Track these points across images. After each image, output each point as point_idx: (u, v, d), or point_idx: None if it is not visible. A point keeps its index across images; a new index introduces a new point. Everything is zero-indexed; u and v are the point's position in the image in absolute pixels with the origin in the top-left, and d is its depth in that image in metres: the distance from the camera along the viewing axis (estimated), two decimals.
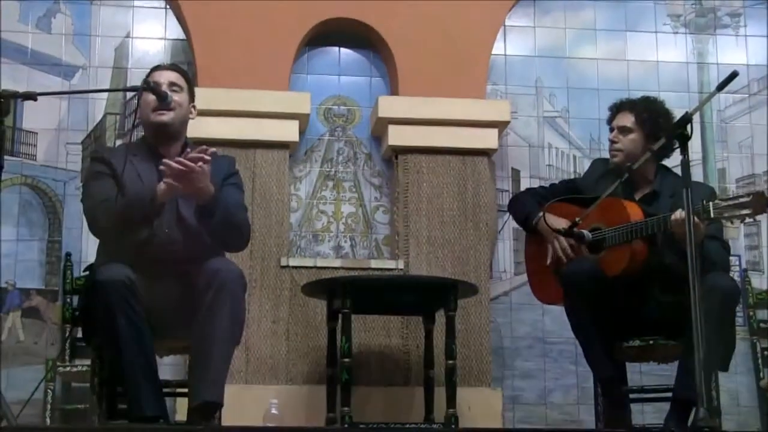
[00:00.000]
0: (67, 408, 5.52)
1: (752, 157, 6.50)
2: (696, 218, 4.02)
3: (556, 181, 5.36)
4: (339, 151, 6.22)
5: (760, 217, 6.16)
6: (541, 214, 4.60)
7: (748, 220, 3.98)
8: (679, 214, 4.16)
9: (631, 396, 4.65)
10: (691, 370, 3.93)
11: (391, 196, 6.14)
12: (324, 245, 6.09)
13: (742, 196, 3.86)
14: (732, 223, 4.20)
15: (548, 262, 4.65)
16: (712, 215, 3.85)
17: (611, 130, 4.68)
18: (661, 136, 4.06)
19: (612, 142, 4.65)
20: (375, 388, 5.67)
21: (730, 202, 3.86)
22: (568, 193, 4.70)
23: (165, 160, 3.92)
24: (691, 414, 4.15)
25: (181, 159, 3.89)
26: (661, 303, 4.38)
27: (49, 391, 5.42)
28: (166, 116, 4.17)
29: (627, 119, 4.62)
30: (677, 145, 3.80)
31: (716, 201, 3.87)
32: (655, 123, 4.55)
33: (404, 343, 5.82)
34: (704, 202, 3.85)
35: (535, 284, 4.87)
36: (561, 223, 4.50)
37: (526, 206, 4.79)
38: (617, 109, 4.71)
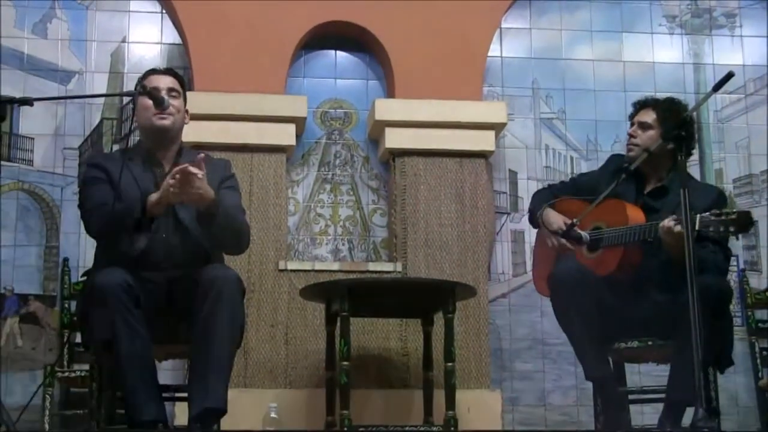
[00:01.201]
0: (65, 413, 5.52)
1: (749, 157, 6.50)
2: (679, 227, 4.05)
3: (556, 182, 5.37)
4: (336, 155, 6.22)
5: (759, 218, 6.17)
6: (543, 207, 4.65)
7: (731, 237, 4.01)
8: (666, 222, 4.17)
9: (630, 397, 4.65)
10: (682, 369, 3.95)
11: (389, 199, 6.14)
12: (322, 248, 6.09)
13: (729, 213, 3.88)
14: (717, 237, 4.22)
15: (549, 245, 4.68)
16: (697, 227, 3.87)
17: (632, 125, 4.69)
18: (681, 136, 4.03)
19: (630, 136, 4.65)
20: (374, 391, 5.67)
21: (716, 218, 3.87)
22: (585, 188, 4.72)
23: (168, 180, 3.91)
24: (684, 414, 4.16)
25: (180, 168, 3.88)
26: (654, 303, 4.39)
27: (47, 396, 5.41)
28: (168, 120, 4.19)
29: (648, 116, 4.63)
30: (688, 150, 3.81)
31: (703, 215, 3.88)
32: (670, 124, 4.53)
33: (403, 345, 5.82)
34: (692, 213, 3.86)
35: (537, 275, 4.87)
36: (559, 221, 4.55)
37: (535, 203, 4.84)
38: (641, 105, 4.72)
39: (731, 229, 3.86)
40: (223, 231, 4.06)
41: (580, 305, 4.36)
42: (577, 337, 4.45)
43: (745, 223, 3.86)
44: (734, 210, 3.94)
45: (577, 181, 4.92)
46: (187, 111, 4.36)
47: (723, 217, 3.87)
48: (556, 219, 4.62)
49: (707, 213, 3.91)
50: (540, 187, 5.51)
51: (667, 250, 4.22)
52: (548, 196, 4.81)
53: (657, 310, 4.37)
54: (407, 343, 5.81)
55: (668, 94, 6.06)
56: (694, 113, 4.21)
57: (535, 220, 4.81)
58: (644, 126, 4.62)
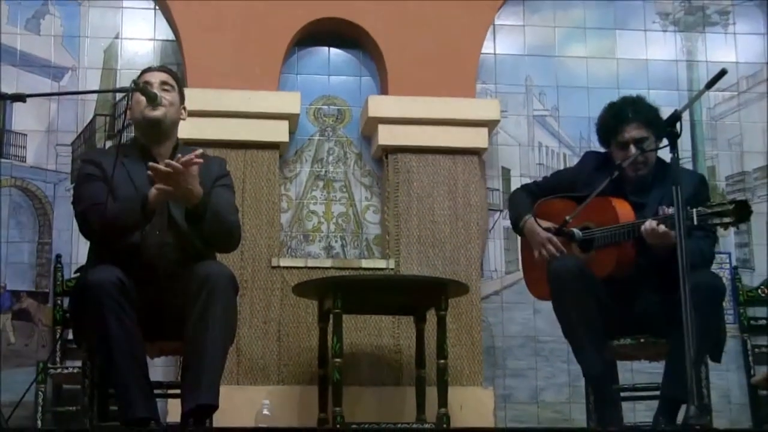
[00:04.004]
0: (58, 410, 5.51)
1: (742, 154, 6.51)
2: (664, 227, 4.06)
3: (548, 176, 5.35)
4: (329, 151, 6.22)
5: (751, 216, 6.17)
6: (527, 217, 4.61)
7: (731, 227, 4.00)
8: (648, 224, 4.17)
9: (623, 394, 4.65)
10: (677, 367, 3.95)
11: (382, 196, 6.14)
12: (315, 245, 6.09)
13: (725, 204, 3.87)
14: (715, 230, 4.22)
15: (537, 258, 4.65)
16: (695, 222, 3.87)
17: (622, 145, 4.54)
18: (674, 133, 4.01)
19: (637, 156, 4.45)
20: (366, 388, 5.68)
21: (714, 210, 3.87)
22: (561, 187, 4.68)
23: (151, 164, 3.92)
24: (679, 411, 4.16)
25: (169, 161, 3.90)
26: (649, 301, 4.39)
27: (40, 393, 5.43)
28: (159, 111, 4.17)
29: (640, 130, 4.52)
30: (666, 143, 3.79)
31: (700, 208, 3.88)
32: (659, 123, 4.48)
33: (395, 342, 5.82)
34: (688, 208, 3.85)
35: (529, 279, 4.87)
36: (543, 233, 4.53)
37: (517, 208, 4.79)
38: (620, 122, 4.56)
39: (729, 220, 3.86)
40: (211, 229, 4.06)
41: (581, 300, 4.34)
42: (577, 333, 4.42)
43: (742, 213, 3.85)
44: (731, 200, 3.94)
45: (553, 180, 4.87)
46: (184, 108, 4.36)
47: (719, 209, 3.87)
48: (539, 228, 4.58)
49: (701, 207, 3.91)
50: (534, 181, 5.49)
51: (651, 248, 4.23)
52: (526, 200, 4.76)
53: (651, 308, 4.37)
54: (400, 340, 5.81)
55: (661, 92, 6.14)
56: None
57: (518, 229, 4.77)
58: (641, 141, 4.50)
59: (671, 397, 4.19)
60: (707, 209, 3.88)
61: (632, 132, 4.53)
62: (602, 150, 4.78)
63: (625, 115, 4.59)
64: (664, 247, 4.11)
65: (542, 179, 4.99)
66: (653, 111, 4.61)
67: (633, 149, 4.51)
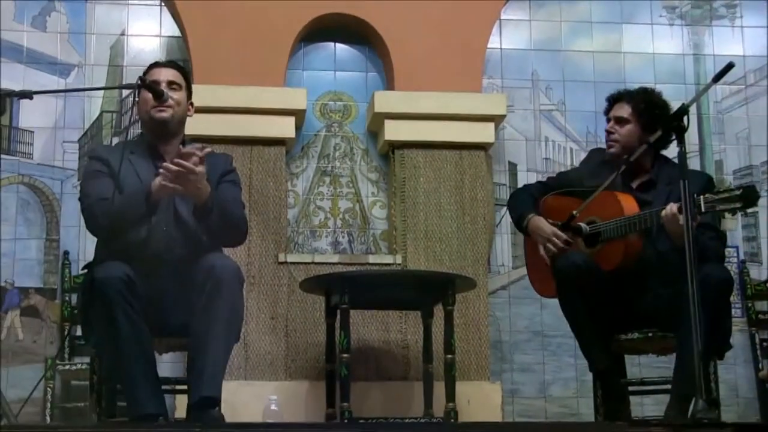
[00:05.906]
0: (66, 406, 5.54)
1: (749, 148, 6.50)
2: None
3: (553, 174, 5.35)
4: (335, 147, 6.22)
5: (758, 209, 6.16)
6: (530, 215, 4.61)
7: (739, 213, 3.99)
8: (669, 209, 4.16)
9: (630, 388, 4.65)
10: (687, 362, 3.94)
11: (389, 191, 6.14)
12: (321, 241, 6.09)
13: (733, 190, 3.87)
14: (723, 216, 4.21)
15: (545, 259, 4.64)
16: (703, 209, 3.86)
17: (608, 120, 4.67)
18: (657, 127, 4.07)
19: (608, 132, 4.62)
20: (374, 383, 5.68)
21: (721, 196, 3.86)
22: (564, 186, 4.69)
23: (164, 164, 3.93)
24: (690, 405, 4.15)
25: (178, 161, 3.90)
26: (656, 295, 4.38)
27: (48, 389, 5.45)
28: (166, 113, 4.18)
29: (624, 110, 4.60)
30: (674, 137, 3.80)
31: (707, 195, 3.87)
32: (651, 114, 4.52)
33: (403, 337, 5.82)
34: (695, 195, 3.85)
35: (534, 277, 4.87)
36: (549, 227, 4.53)
37: (519, 207, 4.78)
38: (614, 100, 4.68)
39: (737, 206, 3.85)
40: (218, 225, 4.06)
41: (587, 295, 4.33)
42: (584, 328, 4.42)
43: (751, 197, 3.84)
44: (738, 186, 3.94)
45: (558, 180, 4.88)
46: (191, 104, 4.36)
47: (726, 195, 3.86)
48: (544, 224, 4.58)
49: (708, 194, 3.90)
50: (539, 178, 5.51)
51: (671, 236, 4.21)
52: (527, 199, 4.76)
53: (660, 302, 4.35)
54: (407, 335, 5.82)
55: (668, 86, 6.12)
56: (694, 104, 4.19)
57: (522, 228, 4.77)
58: (621, 121, 4.58)
59: (683, 392, 4.17)
60: (714, 195, 3.87)
61: (617, 111, 4.60)
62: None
63: (619, 94, 4.66)
64: (682, 235, 4.08)
65: (547, 179, 5.00)
66: (651, 104, 4.59)
67: (610, 125, 4.61)
